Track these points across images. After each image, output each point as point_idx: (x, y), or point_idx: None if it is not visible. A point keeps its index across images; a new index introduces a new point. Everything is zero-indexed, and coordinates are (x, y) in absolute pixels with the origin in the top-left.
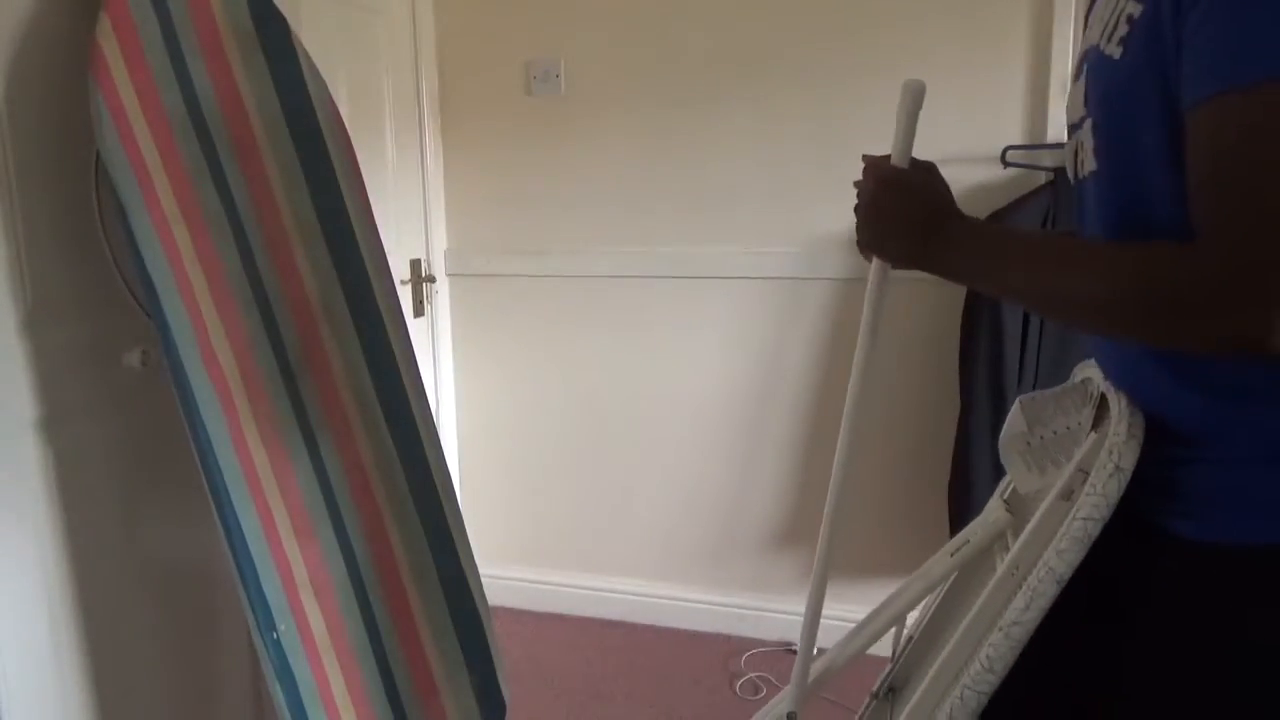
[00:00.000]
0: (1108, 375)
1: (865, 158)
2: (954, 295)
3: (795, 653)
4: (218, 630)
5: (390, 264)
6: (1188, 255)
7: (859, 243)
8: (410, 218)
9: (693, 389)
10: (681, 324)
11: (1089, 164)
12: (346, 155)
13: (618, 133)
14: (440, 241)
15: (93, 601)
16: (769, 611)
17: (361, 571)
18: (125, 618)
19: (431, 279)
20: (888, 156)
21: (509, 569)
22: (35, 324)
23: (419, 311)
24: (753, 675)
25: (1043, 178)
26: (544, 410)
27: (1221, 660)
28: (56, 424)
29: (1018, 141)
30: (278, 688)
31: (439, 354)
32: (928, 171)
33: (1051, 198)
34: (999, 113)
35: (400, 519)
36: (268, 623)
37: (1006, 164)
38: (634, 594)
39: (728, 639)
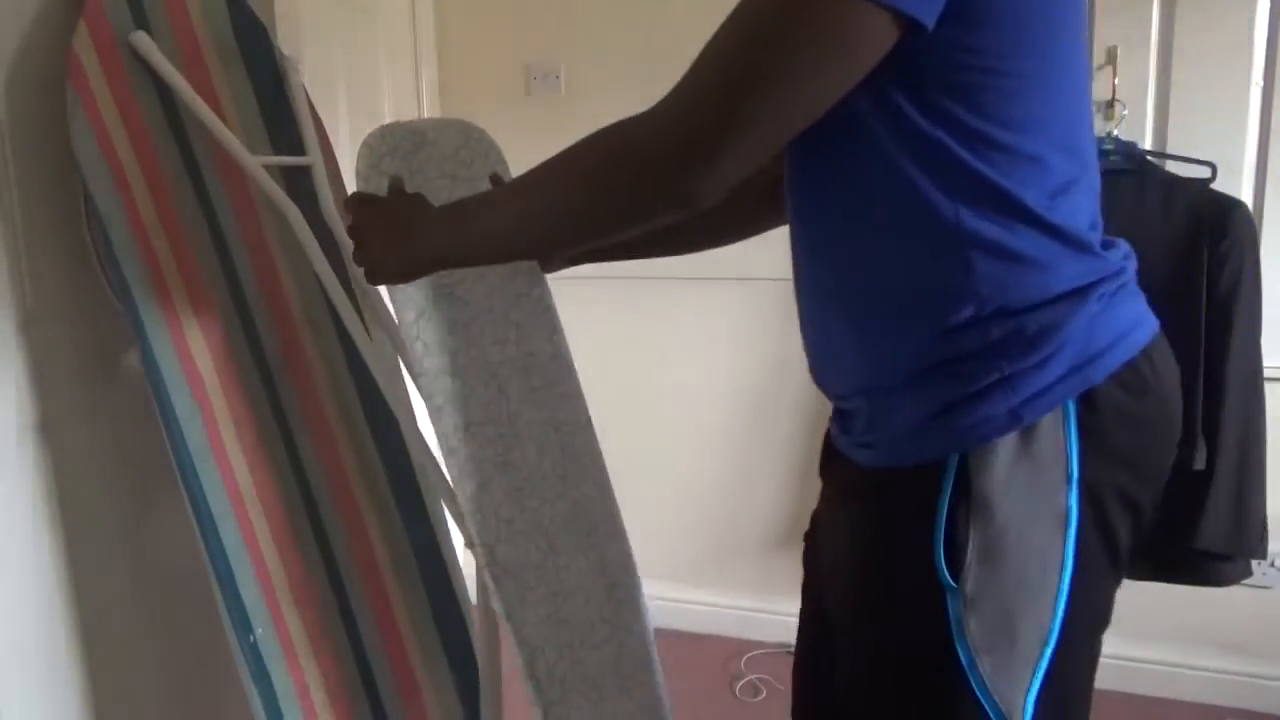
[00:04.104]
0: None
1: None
2: None
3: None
4: (217, 633)
5: None
6: (644, 115)
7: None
8: None
9: (694, 389)
10: (682, 324)
11: None
12: (328, 163)
13: None
14: None
15: (90, 604)
16: (770, 613)
17: (343, 575)
18: (123, 620)
19: None
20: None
21: None
22: (34, 326)
23: None
24: (753, 677)
25: None
26: None
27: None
28: (55, 426)
29: None
30: (254, 690)
31: None
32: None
33: None
34: None
35: (382, 523)
36: (244, 626)
37: None
38: None
39: (727, 640)
